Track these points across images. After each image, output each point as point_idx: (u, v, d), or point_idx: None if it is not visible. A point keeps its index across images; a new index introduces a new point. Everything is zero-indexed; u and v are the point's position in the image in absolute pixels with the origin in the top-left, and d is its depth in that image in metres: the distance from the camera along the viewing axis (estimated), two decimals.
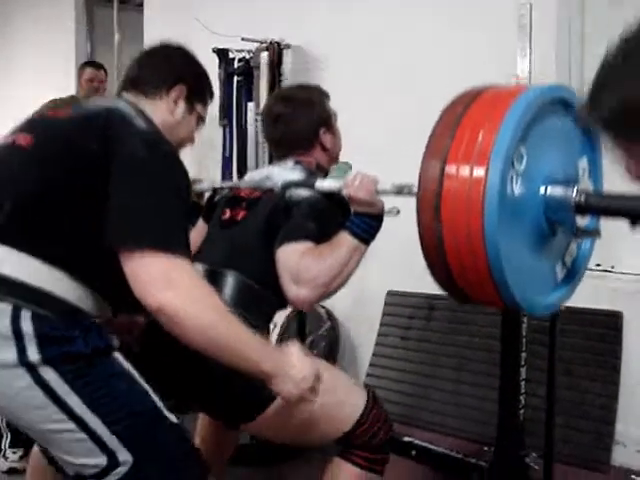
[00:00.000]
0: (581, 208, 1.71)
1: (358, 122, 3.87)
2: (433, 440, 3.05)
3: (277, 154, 2.25)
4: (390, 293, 3.80)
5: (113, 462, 1.48)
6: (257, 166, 3.95)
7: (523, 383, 2.20)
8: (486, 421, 2.99)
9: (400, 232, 3.65)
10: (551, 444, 2.32)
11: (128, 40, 5.72)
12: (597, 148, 1.91)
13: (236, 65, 4.20)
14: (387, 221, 3.76)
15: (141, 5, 5.19)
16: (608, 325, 3.07)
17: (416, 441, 2.98)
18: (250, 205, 2.08)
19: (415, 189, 1.73)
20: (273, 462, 2.97)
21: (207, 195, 2.34)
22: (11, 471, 2.93)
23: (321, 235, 1.92)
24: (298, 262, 1.86)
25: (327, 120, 2.24)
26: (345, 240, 1.91)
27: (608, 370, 3.02)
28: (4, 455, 2.99)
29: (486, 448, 2.47)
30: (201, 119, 1.94)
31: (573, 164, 1.86)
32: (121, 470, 1.49)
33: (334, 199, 1.99)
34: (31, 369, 1.42)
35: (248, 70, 4.16)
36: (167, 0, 5.00)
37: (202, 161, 4.53)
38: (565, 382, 2.91)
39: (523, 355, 2.18)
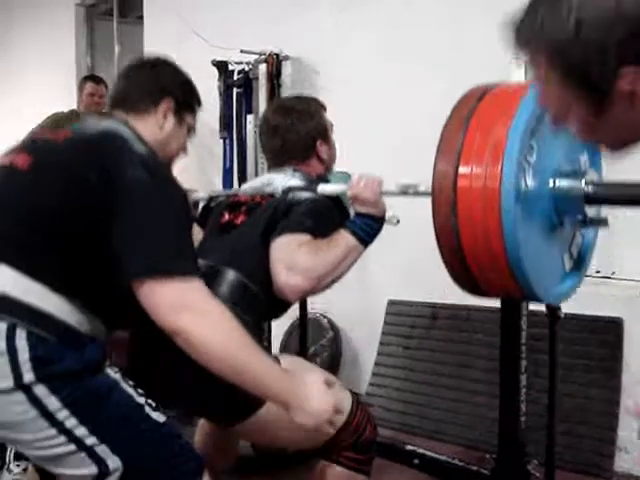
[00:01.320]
0: (590, 199, 1.74)
1: (357, 133, 3.89)
2: (435, 448, 3.04)
3: (274, 164, 2.25)
4: (391, 302, 3.81)
5: (104, 470, 1.50)
6: (256, 176, 3.96)
7: (524, 390, 2.20)
8: (488, 429, 2.99)
9: (401, 241, 3.67)
10: (552, 451, 2.32)
11: (128, 53, 5.76)
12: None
13: (235, 77, 4.23)
14: (388, 230, 3.78)
15: (141, 18, 5.22)
16: (609, 331, 3.07)
17: (418, 449, 2.97)
18: (250, 210, 2.09)
19: (420, 188, 1.76)
20: (274, 471, 2.96)
21: (202, 204, 2.34)
22: None
23: (319, 232, 1.92)
24: (295, 251, 1.86)
25: (324, 131, 2.26)
26: (344, 238, 1.92)
27: (609, 376, 3.03)
28: (8, 468, 2.99)
29: (488, 456, 2.47)
30: (192, 129, 1.93)
31: (577, 158, 1.88)
32: (113, 478, 1.50)
33: (334, 201, 2.01)
34: (26, 390, 1.43)
35: (247, 82, 4.18)
36: (166, 13, 5.02)
37: (203, 173, 4.55)
38: (566, 389, 2.91)
39: (523, 362, 2.19)
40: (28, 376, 1.43)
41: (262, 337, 1.92)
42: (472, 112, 1.71)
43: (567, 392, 2.93)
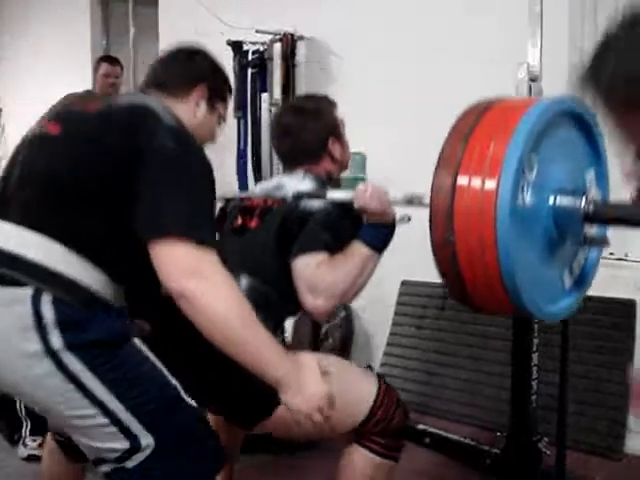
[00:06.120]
0: (589, 217, 1.74)
1: (371, 113, 3.89)
2: (447, 428, 3.07)
3: (287, 166, 2.27)
4: (404, 283, 3.82)
5: (135, 446, 1.51)
6: (271, 157, 3.97)
7: (535, 369, 2.21)
8: (500, 409, 3.00)
9: (414, 222, 3.67)
10: (563, 430, 2.34)
11: (143, 34, 5.76)
12: (603, 160, 1.96)
13: (250, 57, 4.23)
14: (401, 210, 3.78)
15: None
16: (621, 313, 3.08)
17: (430, 429, 3.00)
18: (263, 214, 2.12)
19: (426, 200, 1.77)
20: (292, 450, 2.98)
21: (219, 206, 2.36)
22: (30, 458, 2.97)
23: (335, 245, 1.95)
24: (313, 273, 1.90)
25: (335, 130, 2.26)
26: (359, 250, 1.94)
27: (621, 358, 3.03)
28: (24, 443, 3.04)
29: (499, 434, 2.49)
30: (222, 118, 1.98)
31: (581, 175, 1.90)
32: (142, 455, 1.52)
33: (346, 209, 2.01)
34: (53, 355, 1.45)
35: (262, 62, 4.18)
36: None
37: (216, 153, 4.55)
38: (578, 370, 2.92)
39: (535, 342, 2.20)
40: (56, 341, 1.44)
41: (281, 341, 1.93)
42: (473, 126, 1.73)
43: (579, 373, 2.94)
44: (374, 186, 1.95)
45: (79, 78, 5.42)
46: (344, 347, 4.08)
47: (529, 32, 2.50)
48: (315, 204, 2.02)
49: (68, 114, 1.71)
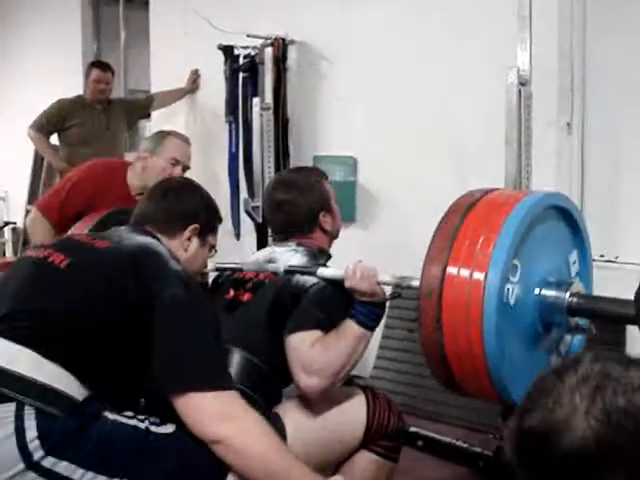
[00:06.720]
0: (573, 310, 1.82)
1: (362, 117, 3.90)
2: (440, 430, 3.07)
3: (279, 238, 2.30)
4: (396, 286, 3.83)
5: None
6: (262, 160, 3.98)
7: None
8: (492, 411, 3.01)
9: (405, 226, 3.68)
10: None
11: (134, 38, 5.76)
12: (585, 242, 2.06)
13: (241, 61, 4.23)
14: (393, 213, 3.79)
15: (147, 3, 5.21)
16: None
17: (423, 431, 3.01)
18: (255, 287, 2.14)
19: (414, 283, 1.87)
20: None
21: (212, 276, 2.38)
22: None
23: (329, 322, 1.97)
24: (308, 353, 1.91)
25: (326, 203, 2.30)
26: (351, 329, 1.95)
27: None
28: None
29: (491, 436, 2.50)
30: (213, 248, 2.02)
31: (564, 259, 1.98)
32: None
33: (338, 284, 2.03)
34: (36, 467, 1.46)
35: (253, 66, 4.19)
36: None
37: (208, 157, 4.56)
38: None
39: None
40: (37, 454, 1.45)
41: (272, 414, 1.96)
42: (461, 222, 1.80)
43: None
44: (363, 267, 1.97)
45: (70, 82, 5.42)
46: None
47: (518, 37, 2.52)
48: (308, 279, 2.05)
49: (75, 247, 1.77)
